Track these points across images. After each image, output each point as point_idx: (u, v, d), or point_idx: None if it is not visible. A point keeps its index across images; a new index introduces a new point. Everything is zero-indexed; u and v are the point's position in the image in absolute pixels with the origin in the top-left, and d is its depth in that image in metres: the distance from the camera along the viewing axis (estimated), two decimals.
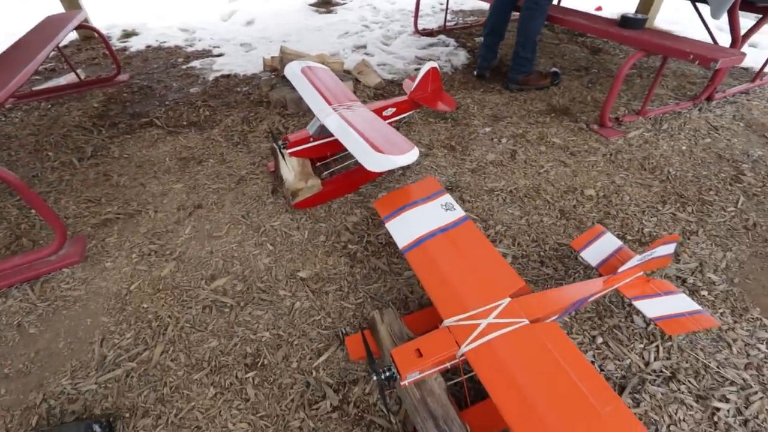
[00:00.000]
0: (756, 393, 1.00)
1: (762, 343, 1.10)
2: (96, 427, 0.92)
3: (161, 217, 1.56)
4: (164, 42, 3.45)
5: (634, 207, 1.56)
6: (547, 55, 2.97)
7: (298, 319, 1.18)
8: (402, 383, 0.85)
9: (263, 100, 2.35)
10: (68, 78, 2.70)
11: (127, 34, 3.64)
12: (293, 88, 2.26)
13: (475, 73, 2.64)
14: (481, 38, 2.54)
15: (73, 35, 3.52)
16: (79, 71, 2.72)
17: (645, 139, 1.96)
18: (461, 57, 2.93)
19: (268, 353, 1.10)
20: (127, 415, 0.98)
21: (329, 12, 4.12)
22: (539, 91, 2.41)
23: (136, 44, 3.42)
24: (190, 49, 3.27)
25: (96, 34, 2.70)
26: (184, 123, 2.21)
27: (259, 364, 1.08)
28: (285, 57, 2.27)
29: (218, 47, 3.29)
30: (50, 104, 2.45)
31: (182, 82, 2.70)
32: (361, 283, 1.28)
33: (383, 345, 0.98)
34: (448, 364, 0.89)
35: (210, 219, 1.54)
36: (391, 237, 1.42)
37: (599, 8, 4.04)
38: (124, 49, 3.30)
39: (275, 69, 2.40)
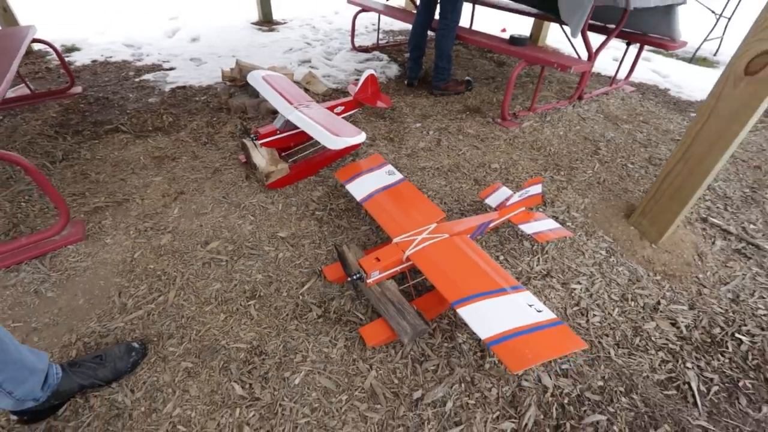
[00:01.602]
0: (598, 279, 1.53)
1: (602, 251, 1.65)
2: (135, 344, 1.19)
3: (149, 203, 1.81)
4: (110, 57, 3.57)
5: (525, 174, 2.11)
6: (462, 67, 3.60)
7: (283, 264, 1.52)
8: (368, 281, 1.24)
9: (223, 107, 2.64)
10: (18, 90, 2.76)
11: (68, 49, 3.69)
12: (251, 95, 2.60)
13: (405, 82, 3.16)
14: (408, 54, 3.08)
15: None
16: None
17: (534, 128, 2.57)
18: (393, 69, 3.45)
19: (262, 288, 1.43)
20: (155, 339, 1.26)
21: (272, 30, 4.47)
22: (457, 96, 2.98)
23: (79, 59, 3.50)
24: (139, 64, 3.43)
25: (50, 48, 2.80)
26: (150, 128, 2.43)
27: (257, 295, 1.40)
28: (242, 68, 2.59)
29: (168, 62, 3.49)
30: (1, 116, 2.52)
31: (139, 93, 2.88)
32: (329, 236, 1.65)
33: (352, 267, 1.37)
34: (398, 268, 1.30)
35: (194, 201, 1.82)
36: (349, 202, 1.81)
37: (503, 30, 4.85)
38: (69, 63, 3.37)
39: (234, 79, 2.70)
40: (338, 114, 2.07)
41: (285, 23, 4.80)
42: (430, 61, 3.44)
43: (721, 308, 1.44)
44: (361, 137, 1.65)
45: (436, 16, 2.83)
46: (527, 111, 2.73)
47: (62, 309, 1.35)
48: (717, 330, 1.36)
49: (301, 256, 1.56)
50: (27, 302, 1.37)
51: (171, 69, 3.32)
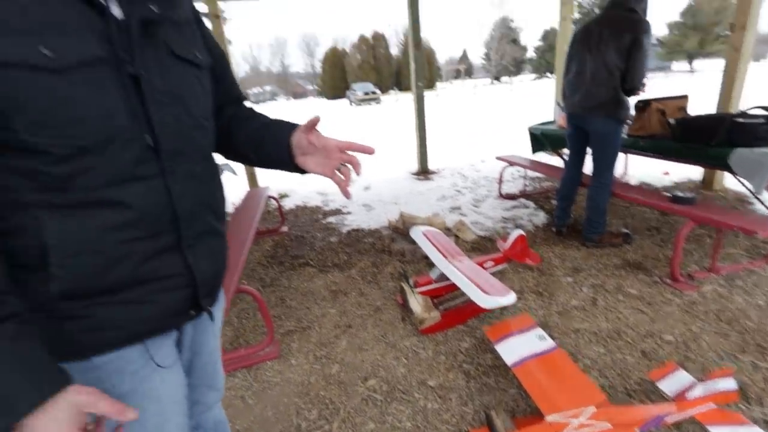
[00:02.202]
0: None
1: None
2: None
3: (324, 332, 2.19)
4: (307, 202, 4.74)
5: (711, 353, 1.80)
6: (618, 215, 3.50)
7: (431, 417, 1.60)
8: None
9: (386, 250, 3.15)
10: None
11: (281, 196, 5.07)
12: (411, 242, 3.04)
13: (553, 229, 3.23)
14: (556, 201, 3.21)
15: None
16: None
17: (720, 294, 2.23)
18: (541, 217, 3.59)
19: None
20: None
21: (427, 179, 5.28)
22: (614, 248, 2.87)
23: (287, 204, 4.74)
24: (326, 208, 4.45)
25: (273, 199, 3.95)
26: (330, 264, 3.04)
27: None
28: (405, 220, 3.13)
29: (346, 207, 4.42)
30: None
31: (324, 233, 3.69)
32: (476, 394, 1.68)
33: None
34: None
35: (359, 336, 2.13)
36: (496, 360, 1.84)
37: (666, 173, 4.61)
38: (281, 207, 4.59)
39: (397, 228, 3.25)
40: (487, 269, 2.25)
41: (438, 172, 5.63)
42: (580, 208, 3.48)
43: None
44: (511, 298, 1.76)
45: (586, 169, 2.95)
46: (707, 272, 2.42)
47: (256, 417, 1.68)
48: None
49: (449, 411, 1.61)
50: (235, 405, 1.75)
51: (348, 213, 4.19)
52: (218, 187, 0.75)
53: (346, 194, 0.75)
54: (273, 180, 5.71)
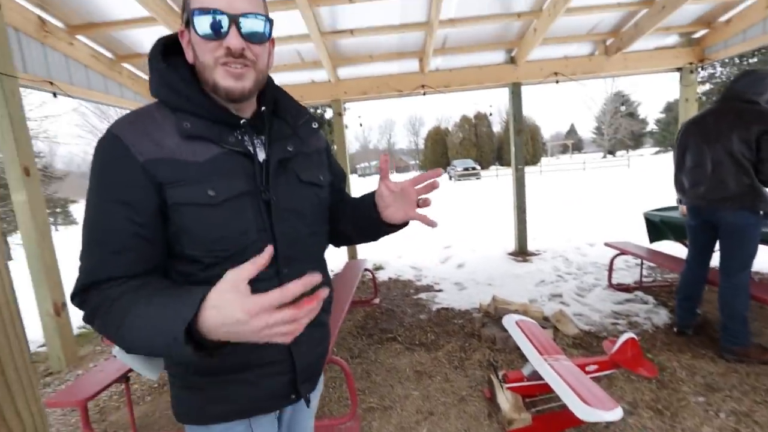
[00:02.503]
0: None
1: None
2: None
3: (405, 416, 2.15)
4: (400, 276, 4.88)
5: None
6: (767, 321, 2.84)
7: None
8: None
9: (475, 334, 3.04)
10: None
11: (377, 268, 5.32)
12: (502, 328, 2.89)
13: (675, 329, 2.77)
14: (676, 300, 2.78)
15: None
16: None
17: None
18: (662, 316, 3.10)
19: None
20: None
21: (526, 261, 5.04)
22: (765, 366, 2.31)
23: (381, 276, 4.95)
24: (418, 283, 4.52)
25: (369, 271, 4.19)
26: (417, 342, 3.03)
27: None
28: (497, 305, 3.02)
29: (438, 284, 4.43)
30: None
31: (414, 309, 3.73)
32: None
33: None
34: None
35: (440, 426, 2.04)
36: None
37: None
38: (375, 278, 4.81)
39: (488, 312, 3.14)
40: (589, 373, 2.01)
41: (539, 254, 5.33)
42: (711, 307, 2.93)
43: None
44: (616, 414, 1.54)
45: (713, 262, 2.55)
46: None
47: None
48: None
49: None
50: None
51: (439, 291, 4.19)
52: (326, 281, 0.88)
53: (431, 224, 0.79)
54: (370, 253, 6.09)
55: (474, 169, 29.47)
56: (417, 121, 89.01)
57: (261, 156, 0.77)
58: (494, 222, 8.35)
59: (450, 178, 30.02)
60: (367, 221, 0.86)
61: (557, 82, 4.98)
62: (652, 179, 14.89)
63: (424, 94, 4.97)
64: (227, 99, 0.72)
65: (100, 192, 0.67)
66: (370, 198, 0.86)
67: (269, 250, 0.54)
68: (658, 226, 3.71)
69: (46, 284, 2.97)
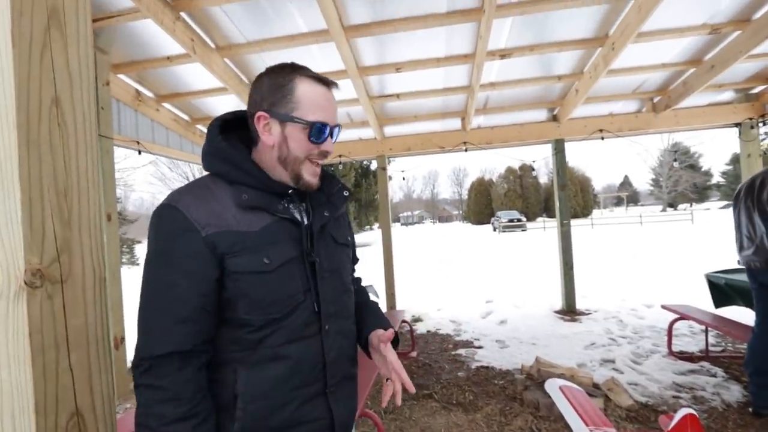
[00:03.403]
0: None
1: None
2: None
3: None
4: (439, 329, 4.76)
5: None
6: None
7: None
8: None
9: (517, 397, 2.86)
10: None
11: (415, 320, 5.24)
12: (545, 394, 2.72)
13: (750, 410, 2.45)
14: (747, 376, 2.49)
15: None
16: None
17: None
18: (734, 392, 2.76)
19: None
20: None
21: (574, 321, 4.74)
22: None
23: (420, 328, 4.86)
24: (457, 338, 4.38)
25: (408, 325, 4.15)
26: (454, 402, 2.91)
27: None
28: (540, 367, 2.86)
29: (478, 340, 4.27)
30: None
31: (452, 365, 3.60)
32: None
33: None
34: None
35: None
36: None
37: None
38: (413, 331, 4.73)
39: (531, 374, 2.98)
40: None
41: (589, 314, 5.00)
42: None
43: None
44: None
45: None
46: None
47: None
48: None
49: None
50: None
51: (479, 347, 4.02)
52: (355, 336, 0.95)
53: (383, 402, 0.84)
54: (409, 303, 6.04)
55: (519, 220, 28.76)
56: (461, 171, 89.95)
57: (305, 222, 0.85)
58: (540, 277, 7.99)
59: (494, 229, 29.42)
60: (359, 338, 0.95)
61: (602, 138, 4.96)
62: (718, 236, 13.66)
63: (465, 150, 5.14)
64: (303, 189, 0.84)
65: (163, 264, 0.72)
66: (367, 329, 0.94)
67: None
68: (723, 290, 3.40)
69: (111, 319, 3.27)
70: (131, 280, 3.26)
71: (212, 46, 3.23)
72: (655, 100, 4.77)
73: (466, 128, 5.02)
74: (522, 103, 4.69)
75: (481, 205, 46.21)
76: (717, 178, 49.13)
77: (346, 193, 0.95)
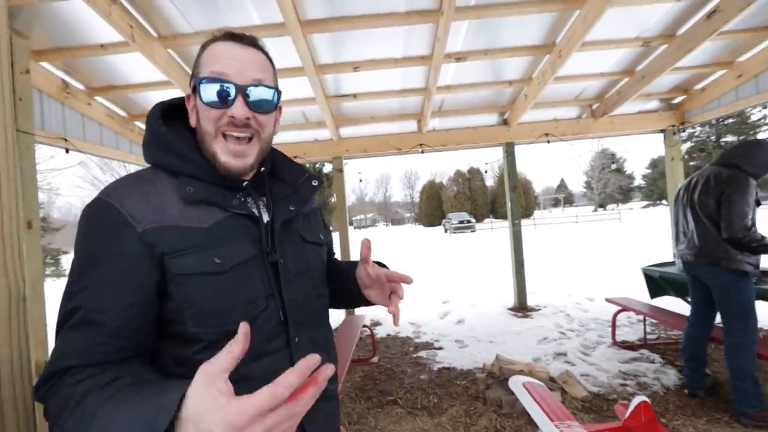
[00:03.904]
0: None
1: None
2: None
3: None
4: (399, 332, 4.74)
5: None
6: None
7: None
8: None
9: (480, 396, 2.90)
10: None
11: (375, 323, 5.17)
12: (507, 391, 2.78)
13: (686, 391, 2.68)
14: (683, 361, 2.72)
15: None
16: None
17: None
18: (671, 376, 3.00)
19: None
20: None
21: (526, 317, 4.95)
22: None
23: (380, 332, 4.80)
24: (417, 341, 4.38)
25: (368, 329, 4.07)
26: (419, 406, 2.88)
27: None
28: (501, 365, 2.92)
29: (438, 341, 4.30)
30: None
31: (414, 368, 3.58)
32: None
33: None
34: None
35: None
36: None
37: None
38: (374, 336, 4.66)
39: (492, 373, 3.03)
40: None
41: (539, 310, 5.25)
42: (722, 367, 2.85)
43: None
44: None
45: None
46: None
47: None
48: None
49: None
50: None
51: (440, 348, 4.05)
52: (331, 347, 0.85)
53: (395, 323, 0.76)
54: (367, 307, 5.96)
55: (469, 222, 29.83)
56: (413, 175, 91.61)
57: (266, 217, 0.74)
58: (492, 275, 8.29)
59: (446, 231, 30.25)
60: (347, 293, 0.86)
61: (548, 142, 5.24)
62: (645, 233, 15.11)
63: (422, 152, 5.18)
64: (224, 173, 0.70)
65: (88, 267, 0.59)
66: (350, 271, 0.85)
67: (244, 330, 0.45)
68: (657, 282, 3.71)
69: (33, 342, 2.85)
70: (56, 295, 2.87)
71: (154, 34, 2.94)
72: (594, 107, 5.13)
73: (422, 130, 5.07)
74: (475, 106, 4.82)
75: (433, 207, 47.36)
76: (639, 181, 54.48)
77: (315, 183, 0.84)
